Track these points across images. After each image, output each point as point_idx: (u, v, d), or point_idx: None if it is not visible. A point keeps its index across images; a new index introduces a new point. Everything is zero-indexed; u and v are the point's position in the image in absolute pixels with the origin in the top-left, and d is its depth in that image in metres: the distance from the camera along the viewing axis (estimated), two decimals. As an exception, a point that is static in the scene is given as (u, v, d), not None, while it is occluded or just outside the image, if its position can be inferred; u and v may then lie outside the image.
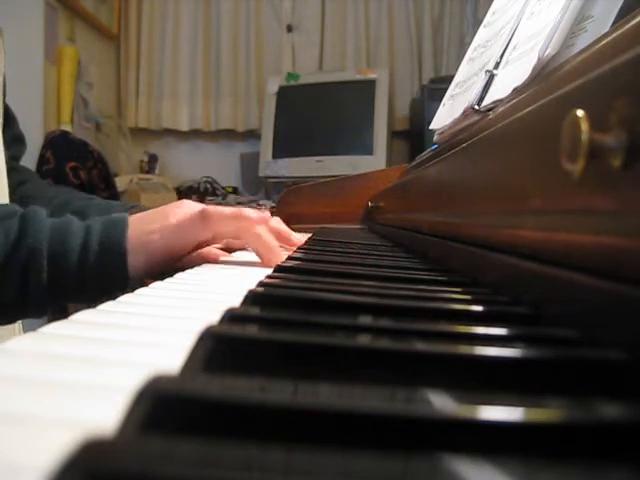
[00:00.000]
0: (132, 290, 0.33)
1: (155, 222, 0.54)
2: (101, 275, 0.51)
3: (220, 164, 2.73)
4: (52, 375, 0.17)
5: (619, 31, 0.26)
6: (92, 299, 0.54)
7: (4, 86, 0.77)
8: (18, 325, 0.71)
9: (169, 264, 0.55)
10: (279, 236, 0.62)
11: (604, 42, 0.27)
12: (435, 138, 0.77)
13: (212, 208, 0.55)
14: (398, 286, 0.36)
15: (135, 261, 0.52)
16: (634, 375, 0.18)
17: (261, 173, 2.45)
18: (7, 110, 0.81)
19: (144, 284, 0.37)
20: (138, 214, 0.56)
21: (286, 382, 0.15)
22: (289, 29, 2.70)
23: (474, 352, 0.19)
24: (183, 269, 0.47)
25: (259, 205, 2.32)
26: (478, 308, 0.28)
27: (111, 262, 0.51)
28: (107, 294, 0.52)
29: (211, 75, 2.71)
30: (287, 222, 0.68)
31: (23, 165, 0.87)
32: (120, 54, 2.77)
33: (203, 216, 0.54)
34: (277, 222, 0.65)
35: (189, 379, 0.17)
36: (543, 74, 0.42)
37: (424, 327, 0.23)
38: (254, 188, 2.65)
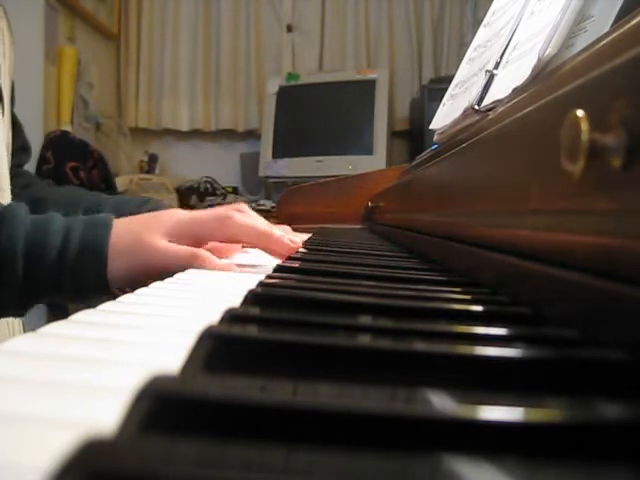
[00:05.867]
0: (132, 290, 0.33)
1: (144, 233, 0.50)
2: (79, 276, 0.49)
3: (220, 164, 2.73)
4: (52, 375, 0.17)
5: (619, 31, 0.26)
6: (69, 300, 0.53)
7: (12, 91, 0.76)
8: (18, 324, 0.70)
9: (141, 279, 0.51)
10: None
11: (604, 42, 0.27)
12: (435, 138, 0.77)
13: (205, 254, 0.50)
14: (398, 286, 0.36)
15: (114, 266, 0.50)
16: (634, 375, 0.18)
17: (261, 173, 2.45)
18: (15, 119, 0.80)
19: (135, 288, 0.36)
20: (127, 219, 0.53)
21: (286, 382, 0.15)
22: (289, 29, 2.70)
23: (474, 352, 0.19)
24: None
25: (259, 205, 2.32)
26: (478, 308, 0.28)
27: (90, 264, 0.49)
28: (85, 297, 0.51)
29: (211, 75, 2.71)
30: (287, 222, 0.68)
31: (24, 169, 0.87)
32: (120, 54, 2.77)
33: (196, 259, 0.50)
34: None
35: (189, 379, 0.17)
36: (543, 74, 0.42)
37: (424, 327, 0.23)
38: (254, 188, 2.65)
